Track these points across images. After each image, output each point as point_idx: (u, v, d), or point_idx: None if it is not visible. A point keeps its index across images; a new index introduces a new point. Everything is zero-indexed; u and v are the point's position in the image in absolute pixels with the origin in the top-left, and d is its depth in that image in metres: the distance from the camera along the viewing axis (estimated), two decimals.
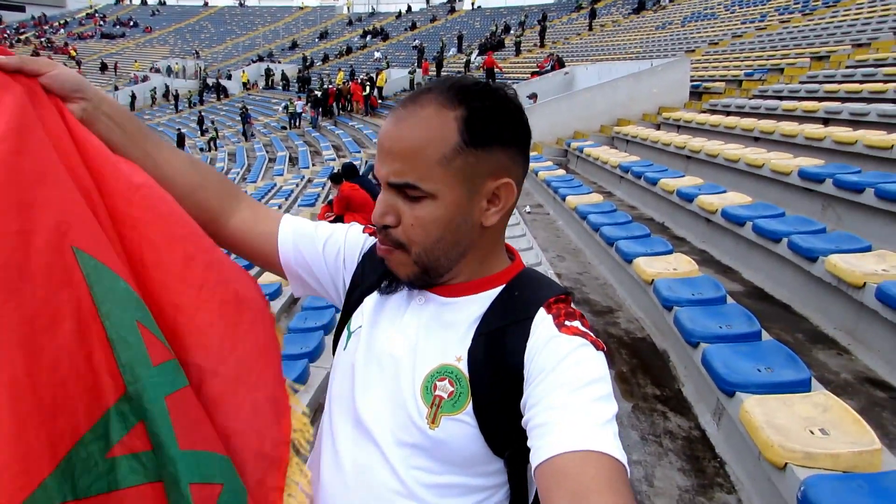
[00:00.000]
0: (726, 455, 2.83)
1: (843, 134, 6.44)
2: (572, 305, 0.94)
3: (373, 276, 1.05)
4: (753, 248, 4.84)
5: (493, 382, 0.87)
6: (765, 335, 3.16)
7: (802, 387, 2.57)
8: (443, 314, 0.94)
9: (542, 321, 0.88)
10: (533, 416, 0.80)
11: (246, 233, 1.09)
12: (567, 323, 0.87)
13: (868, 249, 3.85)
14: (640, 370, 3.76)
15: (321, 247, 1.10)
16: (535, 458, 0.75)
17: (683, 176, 6.92)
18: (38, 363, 0.69)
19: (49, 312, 0.72)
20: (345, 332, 1.05)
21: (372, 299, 1.03)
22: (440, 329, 0.93)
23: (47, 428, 0.68)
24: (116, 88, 40.42)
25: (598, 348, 0.85)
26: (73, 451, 0.71)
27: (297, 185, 15.24)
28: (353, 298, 1.07)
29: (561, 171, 9.24)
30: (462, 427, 0.87)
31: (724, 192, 5.84)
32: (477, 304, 0.93)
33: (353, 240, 1.11)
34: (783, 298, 4.34)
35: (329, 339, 4.67)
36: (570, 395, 0.78)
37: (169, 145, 1.05)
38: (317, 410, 3.88)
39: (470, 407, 0.87)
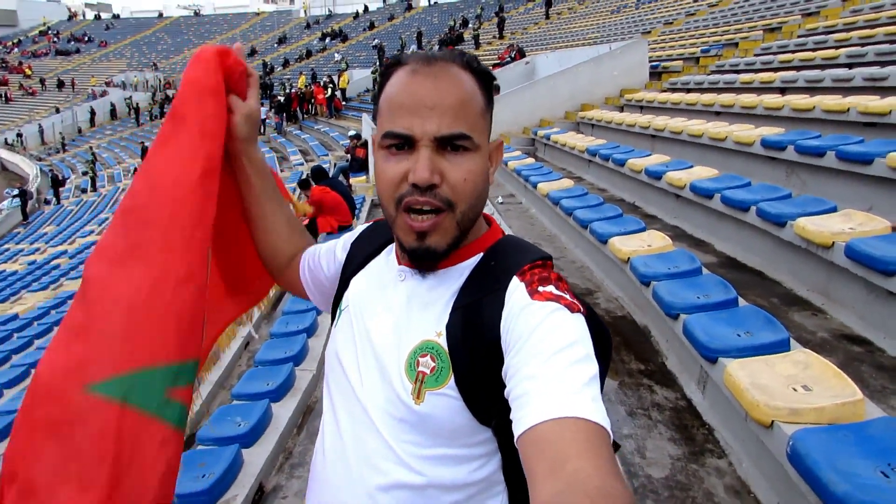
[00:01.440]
0: (714, 421, 2.89)
1: (801, 101, 6.58)
2: (550, 269, 0.94)
3: (360, 257, 1.10)
4: (723, 219, 4.93)
5: (472, 356, 0.88)
6: (741, 302, 3.23)
7: (782, 347, 2.64)
8: (423, 290, 0.96)
9: (516, 290, 0.88)
10: (512, 387, 0.80)
11: (292, 281, 1.28)
12: (540, 289, 0.87)
13: (834, 210, 3.94)
14: (623, 347, 3.81)
15: (322, 261, 1.20)
16: (516, 430, 0.76)
17: (650, 155, 7.00)
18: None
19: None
20: (337, 312, 1.09)
21: (359, 279, 1.07)
22: (421, 305, 0.95)
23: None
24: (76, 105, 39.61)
25: (572, 310, 0.84)
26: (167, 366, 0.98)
27: None
28: (343, 279, 1.12)
29: (530, 160, 9.29)
30: (446, 401, 0.88)
31: (691, 167, 5.93)
32: (455, 276, 0.95)
33: (346, 237, 1.20)
34: (756, 266, 4.43)
35: (312, 342, 4.66)
36: (545, 363, 0.78)
37: (280, 201, 1.28)
38: (305, 413, 3.87)
39: (452, 381, 0.88)
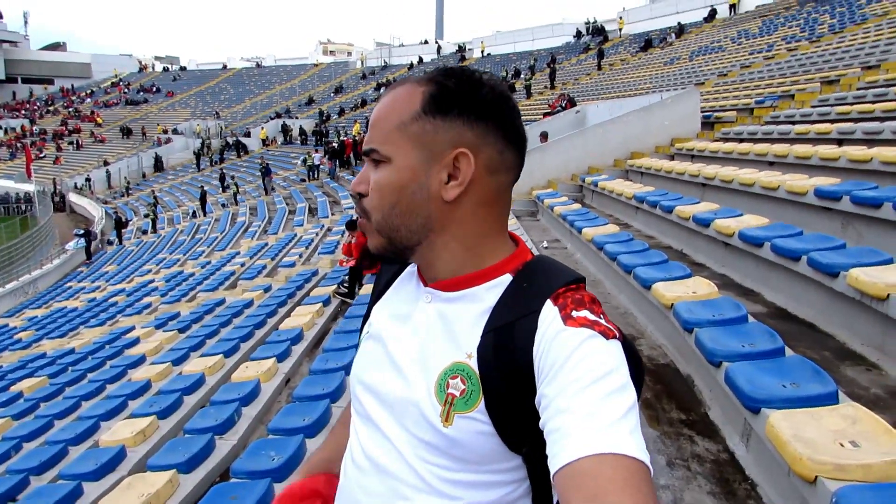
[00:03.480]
0: (757, 476, 2.75)
1: (858, 152, 6.40)
2: (584, 291, 0.91)
3: (380, 285, 1.11)
4: (773, 268, 4.78)
5: (504, 380, 0.85)
6: (788, 352, 3.10)
7: (829, 400, 2.50)
8: (448, 310, 0.93)
9: (549, 314, 0.85)
10: (547, 419, 0.79)
11: None
12: (574, 314, 0.84)
13: (890, 262, 3.77)
14: (665, 396, 3.69)
15: None
16: (552, 466, 0.74)
17: (699, 202, 6.89)
18: None
19: None
20: (362, 336, 1.09)
21: (381, 304, 1.07)
22: (448, 326, 0.92)
23: None
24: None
25: (608, 337, 0.82)
26: None
27: (317, 235, 15.47)
28: (371, 304, 1.12)
29: (576, 206, 9.27)
30: (475, 425, 0.86)
31: (741, 215, 5.80)
32: (482, 296, 0.92)
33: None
34: (807, 317, 4.26)
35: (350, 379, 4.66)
36: (579, 395, 0.76)
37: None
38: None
39: (482, 405, 0.86)
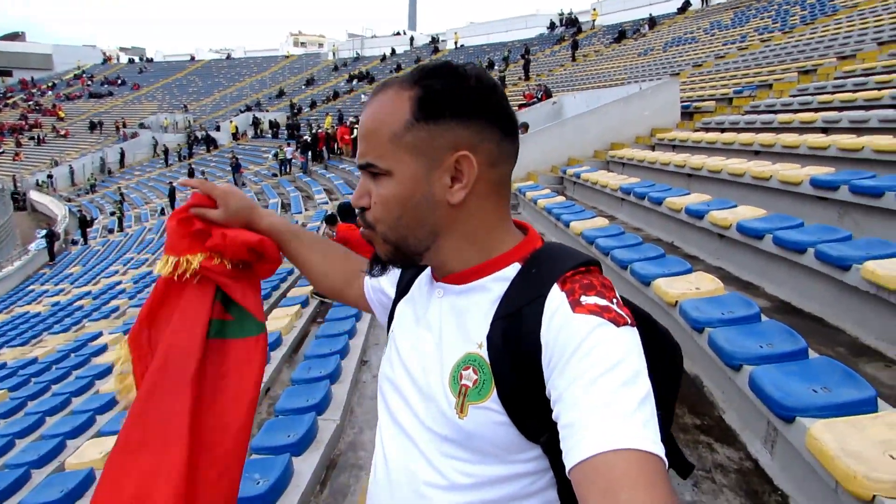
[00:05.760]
0: (787, 487, 2.56)
1: (849, 141, 6.30)
2: (596, 275, 0.88)
3: (402, 284, 1.12)
4: (774, 260, 4.62)
5: (514, 368, 0.85)
6: (811, 352, 2.92)
7: (869, 406, 2.32)
8: (459, 302, 0.94)
9: (556, 299, 0.84)
10: (559, 413, 0.78)
11: (358, 299, 1.32)
12: (583, 300, 0.82)
13: None
14: None
15: (384, 284, 1.22)
16: (566, 463, 0.74)
17: (689, 194, 6.73)
18: None
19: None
20: (388, 334, 1.10)
21: (402, 305, 1.08)
22: (459, 317, 0.93)
23: None
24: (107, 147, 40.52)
25: (618, 324, 0.79)
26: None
27: None
28: (395, 302, 1.12)
29: (560, 198, 9.08)
30: (490, 415, 0.85)
31: (735, 206, 5.65)
32: (491, 286, 0.92)
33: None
34: (814, 311, 4.10)
35: (336, 389, 4.39)
36: (589, 388, 0.74)
37: (310, 243, 1.37)
38: (328, 468, 3.58)
39: (495, 394, 0.85)
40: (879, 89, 8.46)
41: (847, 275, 3.71)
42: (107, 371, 7.04)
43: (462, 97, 0.88)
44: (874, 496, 1.86)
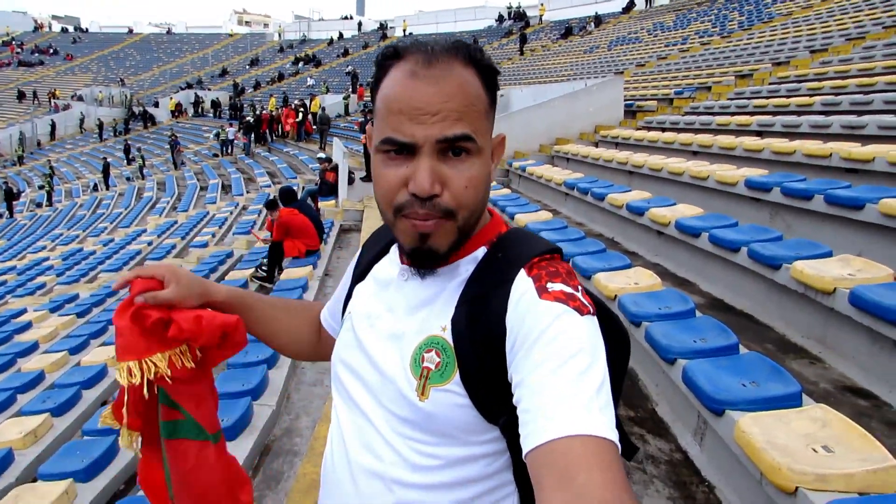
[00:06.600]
0: (714, 478, 2.65)
1: (782, 145, 6.56)
2: (560, 262, 0.90)
3: (363, 265, 1.09)
4: (710, 258, 4.77)
5: (478, 351, 0.85)
6: (741, 348, 3.02)
7: (794, 401, 2.41)
8: (426, 287, 0.93)
9: (522, 284, 0.85)
10: (519, 398, 0.79)
11: (323, 353, 1.24)
12: (549, 286, 0.83)
13: (829, 255, 3.79)
14: None
15: (339, 305, 1.17)
16: (524, 447, 0.75)
17: (630, 190, 6.87)
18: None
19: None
20: (344, 316, 1.08)
21: (363, 285, 1.06)
22: (425, 302, 0.92)
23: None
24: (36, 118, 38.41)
25: (582, 313, 0.81)
26: None
27: (231, 213, 14.67)
28: (350, 290, 1.10)
29: (505, 191, 9.14)
30: (451, 397, 0.86)
31: (675, 204, 5.80)
32: (459, 271, 0.92)
33: (353, 263, 1.16)
34: (745, 308, 4.26)
35: (273, 374, 4.31)
36: (552, 374, 0.76)
37: (271, 305, 1.25)
38: (262, 454, 3.51)
39: (457, 377, 0.86)
40: (811, 96, 8.86)
41: (777, 274, 3.85)
42: (30, 348, 6.72)
43: (496, 85, 0.91)
44: (797, 488, 1.93)
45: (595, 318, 0.83)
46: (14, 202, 25.10)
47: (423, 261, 0.90)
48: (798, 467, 1.95)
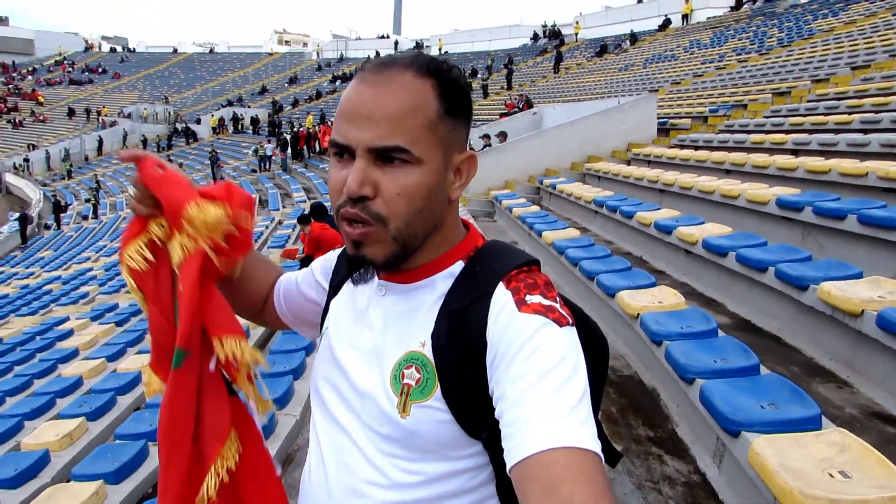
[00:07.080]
0: (731, 501, 2.61)
1: (816, 163, 6.44)
2: (538, 273, 0.90)
3: (338, 279, 1.08)
4: (737, 278, 4.71)
5: (459, 365, 0.85)
6: (762, 369, 2.97)
7: (813, 424, 2.37)
8: (402, 300, 0.93)
9: (501, 298, 0.85)
10: (501, 412, 0.79)
11: (275, 318, 1.22)
12: (528, 299, 0.84)
13: (860, 276, 3.72)
14: (630, 410, 3.55)
15: (303, 288, 1.16)
16: (508, 461, 0.75)
17: (659, 209, 6.83)
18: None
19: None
20: (322, 332, 1.07)
21: (339, 299, 1.05)
22: (403, 317, 0.92)
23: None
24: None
25: (561, 324, 0.82)
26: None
27: (267, 228, 14.97)
28: (326, 304, 1.08)
29: (535, 208, 9.14)
30: (432, 413, 0.86)
31: (703, 223, 5.74)
32: (435, 285, 0.92)
33: (327, 259, 1.14)
34: (772, 330, 4.19)
35: (298, 385, 4.39)
36: (532, 387, 0.76)
37: (258, 260, 1.24)
38: (285, 463, 3.57)
39: (438, 392, 0.86)
40: (850, 113, 8.67)
41: (804, 295, 3.79)
42: (71, 355, 6.96)
43: (468, 99, 0.91)
44: None
45: (574, 328, 0.84)
46: (62, 214, 25.99)
47: (364, 265, 0.94)
48: (810, 491, 1.92)
